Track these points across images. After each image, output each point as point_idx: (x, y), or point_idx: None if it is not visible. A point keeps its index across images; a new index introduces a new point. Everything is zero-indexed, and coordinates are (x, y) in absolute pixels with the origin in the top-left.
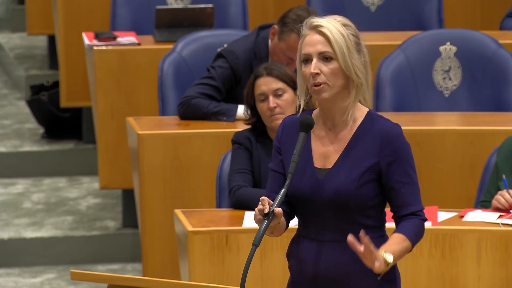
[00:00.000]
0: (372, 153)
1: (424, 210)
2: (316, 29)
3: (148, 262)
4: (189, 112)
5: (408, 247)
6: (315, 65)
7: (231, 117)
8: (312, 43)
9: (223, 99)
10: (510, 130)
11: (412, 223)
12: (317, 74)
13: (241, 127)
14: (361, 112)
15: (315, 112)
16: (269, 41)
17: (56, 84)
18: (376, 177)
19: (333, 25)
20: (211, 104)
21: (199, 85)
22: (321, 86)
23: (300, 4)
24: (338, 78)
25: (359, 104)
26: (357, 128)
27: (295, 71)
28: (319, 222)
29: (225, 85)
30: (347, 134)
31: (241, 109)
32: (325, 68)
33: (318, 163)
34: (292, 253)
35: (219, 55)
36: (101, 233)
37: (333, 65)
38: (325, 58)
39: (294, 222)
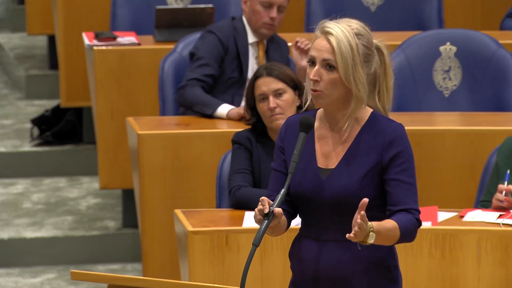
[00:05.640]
0: (374, 153)
1: (424, 210)
2: (326, 35)
3: (148, 262)
4: (184, 99)
5: (396, 237)
6: (316, 72)
7: (210, 109)
8: (319, 48)
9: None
10: (510, 130)
11: (406, 217)
12: (317, 81)
13: (241, 127)
14: (365, 112)
15: (319, 111)
16: (243, 18)
17: (56, 112)
18: (379, 177)
19: (344, 33)
20: (202, 95)
21: (195, 69)
22: (318, 92)
23: (299, 4)
24: (337, 89)
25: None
26: (360, 129)
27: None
28: (321, 222)
29: (216, 58)
30: (350, 134)
31: (223, 108)
32: (326, 76)
33: (321, 163)
34: (294, 253)
35: (201, 36)
36: (101, 233)
37: (334, 74)
38: (328, 66)
39: (296, 222)
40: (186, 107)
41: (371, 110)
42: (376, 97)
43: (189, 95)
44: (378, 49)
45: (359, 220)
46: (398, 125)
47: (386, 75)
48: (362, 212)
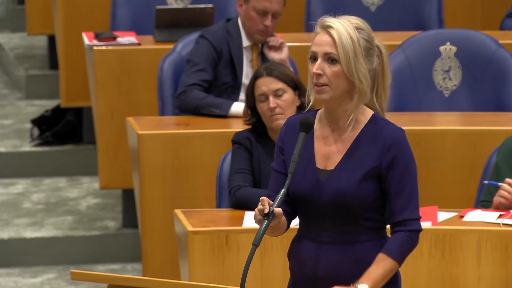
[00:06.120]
0: (374, 156)
1: (424, 210)
2: (326, 29)
3: (148, 262)
4: (187, 103)
5: (392, 265)
6: (318, 66)
7: (222, 110)
8: (320, 43)
9: (214, 78)
10: (510, 130)
11: (398, 237)
12: (320, 75)
13: (241, 127)
14: (365, 114)
15: (319, 112)
16: (238, 20)
17: (56, 112)
18: (377, 180)
19: (344, 27)
20: (207, 97)
21: (192, 74)
22: (323, 87)
23: (300, 4)
24: (341, 81)
25: (364, 106)
26: (360, 131)
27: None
28: (319, 223)
29: (210, 63)
30: (350, 136)
31: (237, 106)
32: (329, 69)
33: (320, 164)
34: (293, 253)
35: (195, 42)
36: (101, 233)
37: (336, 68)
38: (330, 60)
39: (295, 222)
40: (190, 111)
41: (372, 112)
42: (374, 96)
43: (193, 99)
44: (377, 47)
45: None
46: (397, 128)
47: (384, 75)
48: None
